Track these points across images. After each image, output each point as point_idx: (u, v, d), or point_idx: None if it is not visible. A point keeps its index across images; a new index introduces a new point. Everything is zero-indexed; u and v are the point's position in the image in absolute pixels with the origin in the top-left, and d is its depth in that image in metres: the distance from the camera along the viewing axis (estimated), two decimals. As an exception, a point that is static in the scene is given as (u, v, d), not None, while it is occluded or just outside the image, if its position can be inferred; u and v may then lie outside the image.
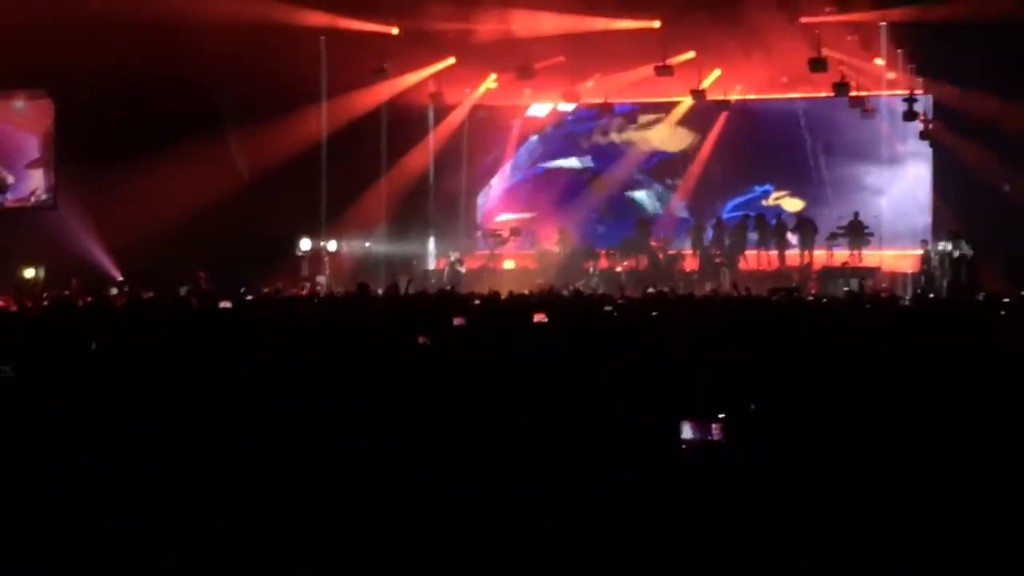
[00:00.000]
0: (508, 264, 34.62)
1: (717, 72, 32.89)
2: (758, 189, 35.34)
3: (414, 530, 4.44)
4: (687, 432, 5.85)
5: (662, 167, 36.52)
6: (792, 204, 34.80)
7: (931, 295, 26.66)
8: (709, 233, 33.79)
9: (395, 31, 31.30)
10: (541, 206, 36.90)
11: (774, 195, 35.23)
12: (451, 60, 33.61)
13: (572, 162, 37.22)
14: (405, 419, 6.29)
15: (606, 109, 35.16)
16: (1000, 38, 28.23)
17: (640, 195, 36.70)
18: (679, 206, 36.19)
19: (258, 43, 27.35)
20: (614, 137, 36.73)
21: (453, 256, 33.83)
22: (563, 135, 37.20)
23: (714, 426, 5.86)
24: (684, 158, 36.12)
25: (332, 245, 32.77)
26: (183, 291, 24.58)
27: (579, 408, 6.52)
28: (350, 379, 7.66)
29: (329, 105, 32.20)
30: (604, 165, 36.84)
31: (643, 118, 36.51)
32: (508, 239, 35.24)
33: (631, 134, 36.59)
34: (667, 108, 35.92)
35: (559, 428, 5.71)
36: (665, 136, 36.32)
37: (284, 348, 9.93)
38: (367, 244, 34.05)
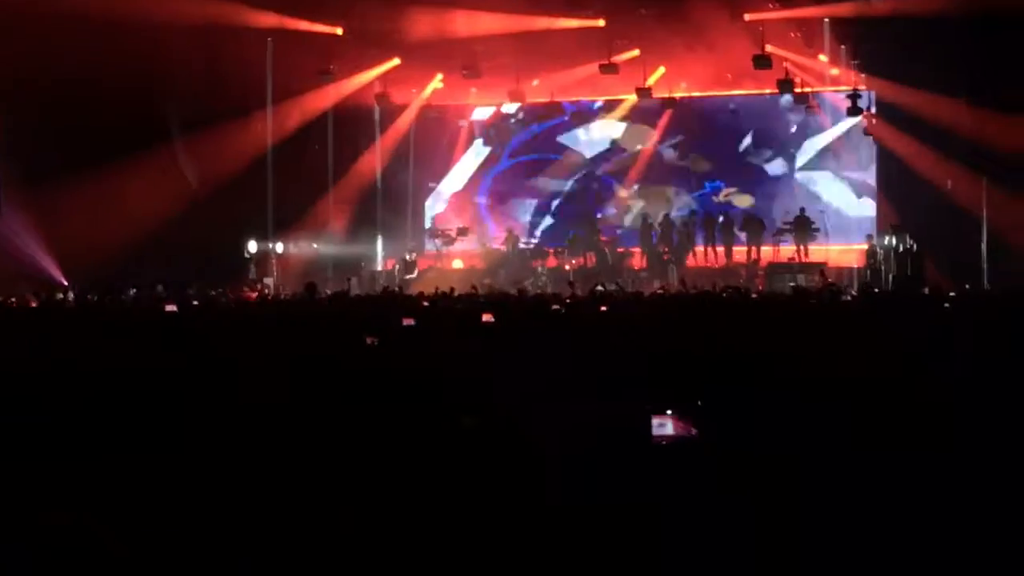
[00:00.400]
0: (456, 264, 34.63)
1: (662, 70, 33.00)
2: (708, 186, 35.46)
3: (354, 534, 4.44)
4: (661, 428, 5.85)
5: (614, 165, 36.53)
6: (742, 200, 34.96)
7: (876, 289, 26.81)
8: (658, 231, 33.90)
9: (340, 32, 31.22)
10: (489, 205, 36.95)
11: (723, 192, 35.38)
12: (396, 61, 33.57)
13: (521, 160, 37.19)
14: (351, 421, 6.27)
15: (553, 108, 35.18)
16: (940, 34, 28.48)
17: (590, 193, 36.71)
18: (629, 204, 36.25)
19: (205, 46, 27.24)
20: (590, 134, 36.71)
21: (409, 256, 33.85)
22: (512, 134, 37.14)
23: (687, 422, 5.87)
24: (636, 156, 36.20)
25: (280, 247, 32.64)
26: (132, 294, 24.43)
27: (525, 408, 6.52)
28: (296, 380, 7.64)
29: (276, 107, 32.09)
30: (555, 163, 36.86)
31: (603, 117, 36.50)
32: (456, 239, 35.23)
33: (606, 131, 36.56)
34: (615, 107, 35.98)
35: (507, 429, 5.70)
36: (621, 134, 36.36)
37: (231, 350, 9.87)
38: (315, 246, 33.93)
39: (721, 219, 33.38)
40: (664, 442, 5.80)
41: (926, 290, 24.41)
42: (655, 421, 5.87)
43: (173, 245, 27.37)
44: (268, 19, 29.51)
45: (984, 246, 29.39)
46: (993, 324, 12.16)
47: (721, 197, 35.32)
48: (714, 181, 35.50)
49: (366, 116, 35.60)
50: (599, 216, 35.43)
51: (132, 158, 27.35)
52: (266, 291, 29.65)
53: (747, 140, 34.76)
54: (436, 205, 37.77)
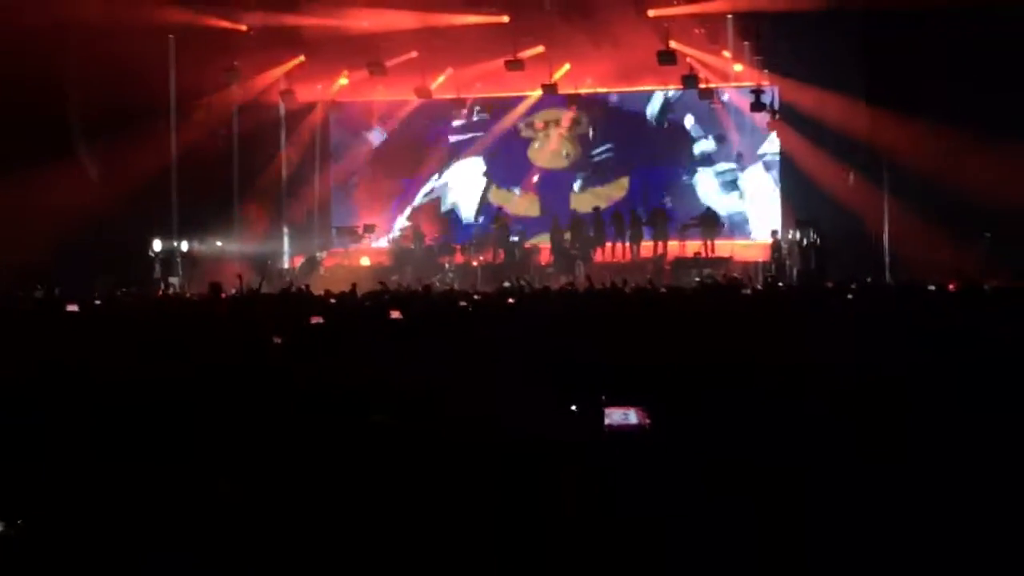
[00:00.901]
0: (364, 261, 34.50)
1: (567, 66, 33.10)
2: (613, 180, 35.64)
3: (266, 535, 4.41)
4: (611, 418, 5.86)
5: (524, 161, 36.55)
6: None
7: (780, 283, 27.09)
8: (566, 227, 34.00)
9: (244, 28, 30.99)
10: (397, 202, 36.86)
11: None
12: (301, 58, 33.40)
13: (430, 156, 37.09)
14: (258, 422, 6.23)
15: (458, 104, 35.18)
16: (840, 30, 28.88)
17: (500, 190, 36.68)
18: (535, 200, 36.29)
19: (105, 43, 26.88)
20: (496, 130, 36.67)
21: (320, 255, 33.71)
22: (416, 130, 37.03)
23: (636, 412, 5.88)
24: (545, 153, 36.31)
25: (185, 246, 32.34)
26: (38, 293, 24.06)
27: (435, 406, 6.51)
28: (201, 381, 7.57)
29: (180, 105, 31.77)
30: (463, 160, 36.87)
31: (511, 113, 36.46)
32: (363, 236, 35.11)
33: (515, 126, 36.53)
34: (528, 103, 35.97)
35: (416, 426, 5.69)
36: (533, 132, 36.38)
37: (133, 351, 9.76)
38: (220, 244, 33.65)
39: (628, 215, 33.52)
40: (618, 432, 5.83)
41: (829, 284, 24.71)
42: (608, 412, 5.90)
43: (77, 244, 27.00)
44: (170, 16, 29.22)
45: (886, 239, 29.78)
46: (879, 318, 12.34)
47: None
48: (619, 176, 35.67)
49: (271, 114, 35.35)
50: (505, 212, 35.37)
51: (33, 158, 26.94)
52: (171, 289, 29.40)
53: (652, 136, 34.89)
54: (343, 202, 37.57)
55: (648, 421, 5.83)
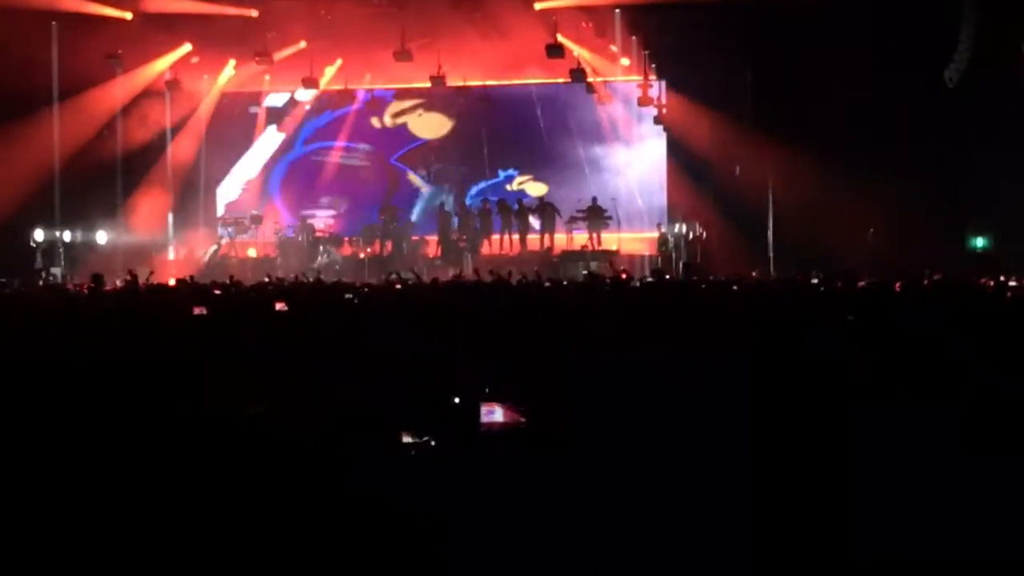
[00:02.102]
0: (250, 252, 34.27)
1: (455, 57, 33.07)
2: (502, 174, 35.67)
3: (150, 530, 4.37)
4: (488, 415, 5.85)
5: (411, 153, 36.50)
6: (536, 188, 35.26)
7: (667, 276, 27.29)
8: (455, 219, 34.04)
9: (129, 16, 30.55)
10: (284, 193, 36.64)
11: (518, 180, 35.64)
12: (187, 47, 33.05)
13: (315, 147, 36.90)
14: (143, 412, 6.17)
15: (347, 95, 35.02)
16: (726, 22, 29.19)
17: (395, 181, 36.62)
18: (423, 192, 36.25)
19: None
20: (385, 122, 36.51)
21: (220, 240, 33.57)
22: (305, 121, 36.80)
23: (516, 410, 5.88)
24: (430, 144, 36.26)
25: (67, 236, 31.87)
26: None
27: (321, 397, 6.48)
28: (85, 374, 7.48)
29: (62, 93, 31.29)
30: (349, 151, 36.69)
31: (399, 105, 36.37)
32: (249, 227, 34.85)
33: (402, 118, 36.43)
34: (409, 95, 35.93)
35: (294, 418, 5.67)
36: (421, 124, 36.33)
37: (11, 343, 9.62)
38: (104, 234, 33.19)
39: (516, 207, 33.59)
40: (493, 429, 5.83)
41: (712, 277, 24.98)
42: (484, 409, 5.89)
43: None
44: (53, 1, 28.74)
45: (771, 234, 30.14)
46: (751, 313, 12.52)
47: (515, 185, 35.58)
48: (508, 169, 35.73)
49: (157, 103, 34.88)
50: (393, 204, 35.26)
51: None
52: (52, 280, 28.99)
53: (540, 129, 34.96)
54: (229, 193, 37.22)
55: (523, 419, 5.84)
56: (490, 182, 35.73)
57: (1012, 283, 19.65)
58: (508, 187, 35.59)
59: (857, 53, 29.09)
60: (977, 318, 10.66)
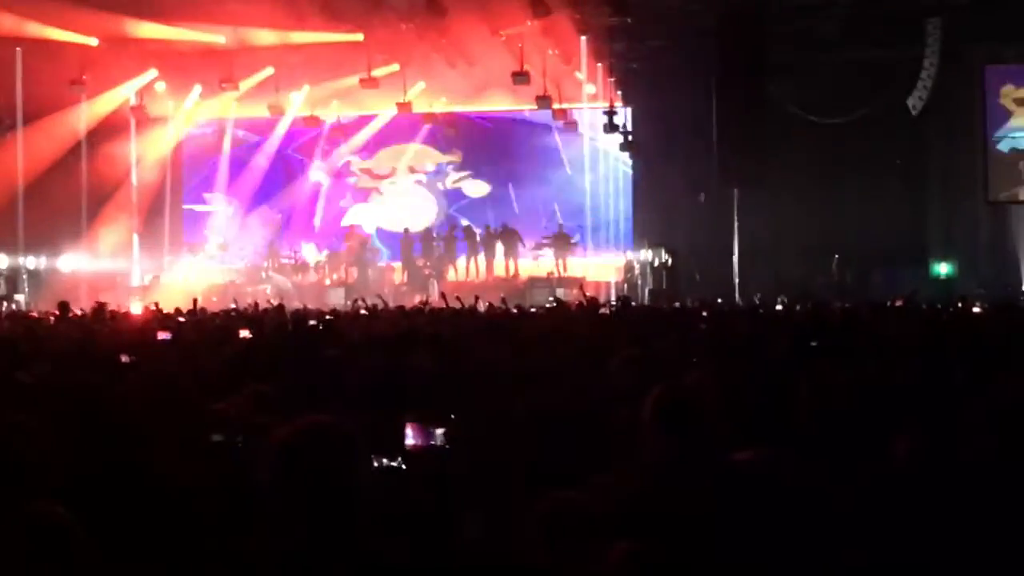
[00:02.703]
0: (217, 279, 34.11)
1: (422, 84, 33.13)
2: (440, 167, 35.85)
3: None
4: (410, 438, 5.83)
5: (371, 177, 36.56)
6: (476, 187, 35.33)
7: (633, 302, 27.32)
8: (418, 244, 34.03)
9: (94, 42, 30.45)
10: (249, 219, 36.51)
11: (452, 177, 35.71)
12: (153, 73, 32.97)
13: (282, 173, 36.84)
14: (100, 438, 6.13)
15: (312, 122, 35.00)
16: (691, 52, 29.34)
17: (354, 207, 36.59)
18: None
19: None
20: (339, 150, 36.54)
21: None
22: (278, 149, 36.71)
23: (438, 431, 5.86)
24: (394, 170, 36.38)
25: (31, 262, 31.71)
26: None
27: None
28: (45, 401, 7.42)
29: (26, 116, 31.19)
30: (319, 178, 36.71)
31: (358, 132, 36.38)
32: (216, 254, 34.76)
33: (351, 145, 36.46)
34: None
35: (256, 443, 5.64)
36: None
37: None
38: (69, 261, 33.03)
39: (481, 233, 33.64)
40: (417, 451, 5.81)
41: (677, 304, 25.06)
42: (408, 431, 5.87)
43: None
44: (17, 26, 28.61)
45: (736, 260, 30.23)
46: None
47: (448, 183, 35.67)
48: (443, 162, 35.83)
49: (122, 128, 34.74)
50: (357, 230, 35.21)
51: None
52: (15, 307, 28.82)
53: (506, 152, 35.04)
54: (195, 219, 37.09)
55: (448, 442, 5.83)
56: (430, 174, 35.82)
57: (976, 309, 19.78)
58: (441, 184, 35.67)
59: (822, 80, 29.33)
60: (941, 341, 10.71)
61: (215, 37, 30.67)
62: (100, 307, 19.64)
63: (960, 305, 20.73)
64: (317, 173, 36.50)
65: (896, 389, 7.69)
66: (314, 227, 36.43)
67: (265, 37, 30.67)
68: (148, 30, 30.16)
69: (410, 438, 5.88)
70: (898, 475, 5.28)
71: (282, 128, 35.89)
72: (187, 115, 35.87)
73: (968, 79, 30.28)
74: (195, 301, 22.37)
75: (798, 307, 20.14)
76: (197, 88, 34.60)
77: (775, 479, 5.38)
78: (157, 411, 7.27)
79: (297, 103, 34.50)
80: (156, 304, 23.77)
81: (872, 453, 5.59)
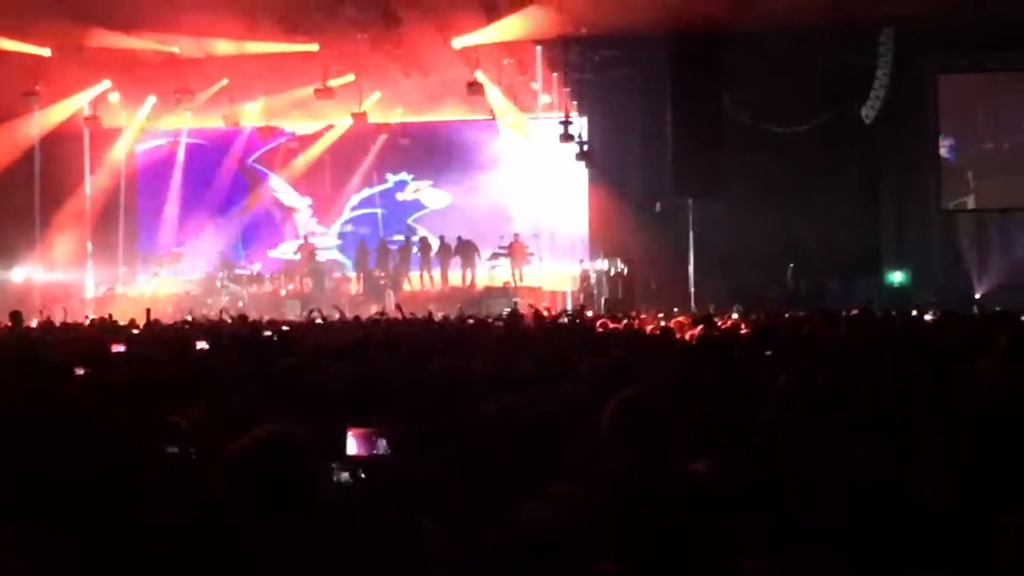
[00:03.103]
0: (171, 290, 33.91)
1: (377, 95, 33.09)
2: (392, 178, 35.76)
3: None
4: (352, 447, 5.80)
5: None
6: (436, 197, 35.38)
7: (590, 312, 27.34)
8: (373, 254, 33.97)
9: (47, 52, 30.25)
10: (203, 230, 36.30)
11: (413, 187, 35.72)
12: (107, 83, 32.78)
13: (237, 184, 36.70)
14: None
15: (268, 133, 34.91)
16: (644, 60, 29.44)
17: (301, 218, 36.53)
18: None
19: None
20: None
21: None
22: (233, 159, 36.55)
23: (380, 441, 5.84)
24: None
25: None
26: None
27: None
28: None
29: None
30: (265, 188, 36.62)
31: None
32: (170, 265, 34.59)
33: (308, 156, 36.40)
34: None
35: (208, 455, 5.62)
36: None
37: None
38: (22, 272, 32.82)
39: (437, 243, 33.62)
40: (359, 459, 5.79)
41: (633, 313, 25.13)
42: (351, 437, 5.84)
43: None
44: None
45: (692, 269, 30.31)
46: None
47: (409, 193, 35.67)
48: (398, 173, 35.78)
49: (76, 139, 34.53)
50: (311, 241, 35.10)
51: None
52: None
53: (462, 163, 35.02)
54: (150, 230, 36.86)
55: (390, 449, 5.81)
56: (377, 189, 35.77)
57: (928, 316, 19.91)
58: (400, 195, 35.70)
59: (775, 90, 29.46)
60: (894, 349, 10.77)
61: (170, 48, 30.53)
62: (15, 316, 19.47)
63: (915, 313, 20.91)
64: (274, 183, 36.41)
65: (851, 397, 7.75)
66: (270, 238, 36.29)
67: (220, 48, 30.54)
68: (102, 40, 29.96)
69: (367, 447, 5.86)
70: (855, 482, 5.31)
71: (239, 138, 35.78)
72: (141, 125, 35.64)
73: (921, 89, 30.49)
74: (148, 312, 22.28)
75: (752, 317, 20.23)
76: (151, 99, 34.41)
77: (732, 488, 5.41)
78: (109, 423, 7.25)
79: (253, 113, 34.40)
80: (110, 315, 23.66)
81: (829, 461, 5.62)
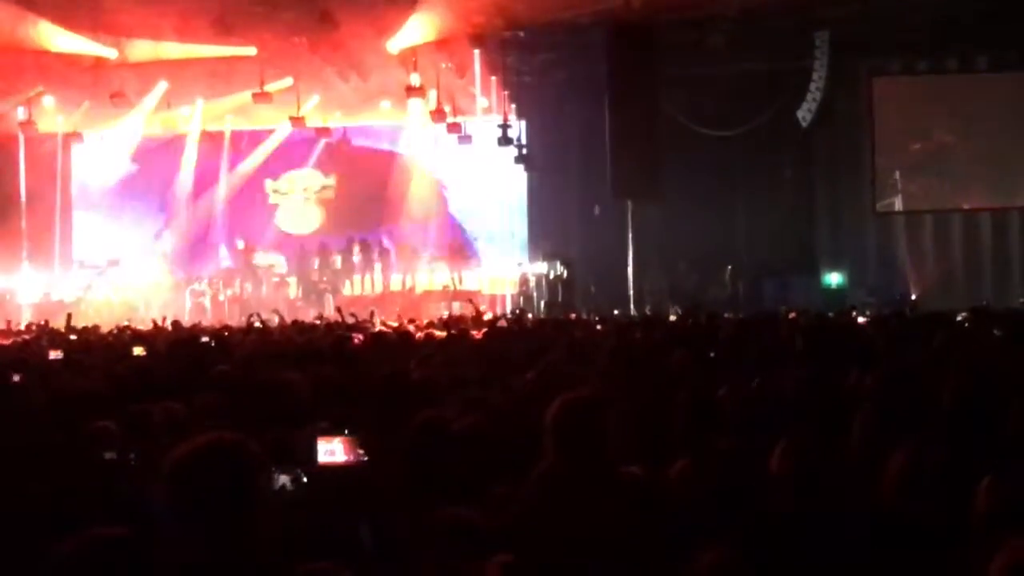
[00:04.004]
0: (109, 297, 33.63)
1: (316, 98, 32.99)
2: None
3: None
4: (323, 454, 5.77)
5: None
6: None
7: (530, 315, 27.41)
8: (315, 259, 33.84)
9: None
10: (145, 236, 36.02)
11: None
12: (40, 88, 32.42)
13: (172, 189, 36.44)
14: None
15: (210, 137, 34.77)
16: (581, 62, 29.54)
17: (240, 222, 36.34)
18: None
19: None
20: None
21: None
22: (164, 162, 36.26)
23: (348, 447, 5.81)
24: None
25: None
26: None
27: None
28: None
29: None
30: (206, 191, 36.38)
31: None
32: (106, 270, 34.31)
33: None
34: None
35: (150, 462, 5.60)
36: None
37: None
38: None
39: (377, 245, 33.55)
40: (332, 467, 5.76)
41: (573, 315, 25.26)
42: (322, 445, 5.81)
43: None
44: None
45: (630, 271, 30.40)
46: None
47: None
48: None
49: (9, 145, 34.18)
50: (251, 245, 34.86)
51: None
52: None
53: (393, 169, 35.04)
54: (86, 235, 36.51)
55: (363, 455, 5.79)
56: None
57: (861, 319, 20.13)
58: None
59: (712, 92, 29.64)
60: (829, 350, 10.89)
61: (105, 51, 30.23)
62: None
63: (853, 314, 21.15)
64: (219, 188, 36.20)
65: (787, 397, 7.82)
66: (209, 243, 36.04)
67: (157, 51, 30.29)
68: (34, 44, 29.63)
69: (311, 452, 5.84)
70: (780, 482, 5.36)
71: (180, 142, 35.53)
72: (76, 128, 35.15)
73: (855, 91, 30.76)
74: (69, 317, 22.20)
75: (690, 320, 20.36)
76: (86, 104, 33.96)
77: (663, 494, 5.45)
78: (44, 429, 7.23)
79: (196, 118, 34.24)
80: (46, 321, 23.50)
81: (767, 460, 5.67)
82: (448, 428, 6.71)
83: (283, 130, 34.64)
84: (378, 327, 20.13)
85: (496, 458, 6.31)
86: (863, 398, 6.88)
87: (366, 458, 5.84)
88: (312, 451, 5.79)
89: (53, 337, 18.66)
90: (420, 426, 6.54)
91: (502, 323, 20.54)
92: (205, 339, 16.08)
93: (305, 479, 5.64)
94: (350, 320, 21.19)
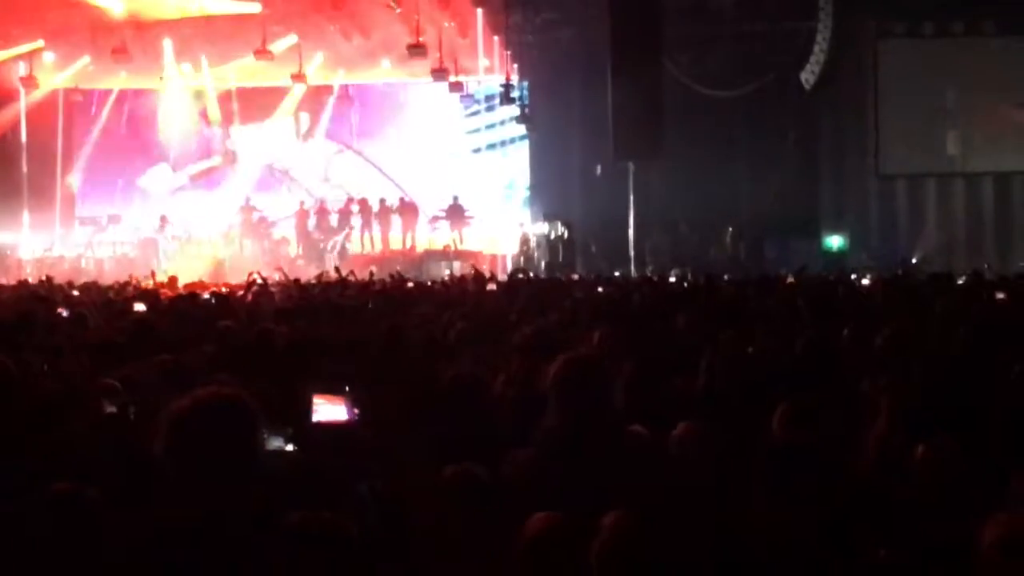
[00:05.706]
0: (108, 252, 33.57)
1: (320, 56, 32.88)
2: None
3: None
4: (321, 413, 5.76)
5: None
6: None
7: (532, 274, 27.37)
8: (313, 217, 33.81)
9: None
10: (146, 193, 35.96)
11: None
12: (40, 43, 32.29)
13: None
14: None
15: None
16: (585, 21, 29.43)
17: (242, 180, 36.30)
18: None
19: None
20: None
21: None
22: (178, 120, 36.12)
23: (345, 406, 5.79)
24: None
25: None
26: None
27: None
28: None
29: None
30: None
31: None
32: (107, 227, 34.26)
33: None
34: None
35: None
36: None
37: None
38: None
39: (377, 205, 33.52)
40: (325, 426, 5.75)
41: (576, 276, 25.22)
42: (316, 401, 5.80)
43: None
44: None
45: (631, 232, 30.31)
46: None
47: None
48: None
49: (10, 99, 34.06)
50: (250, 203, 34.76)
51: None
52: None
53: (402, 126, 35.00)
54: (86, 192, 36.43)
55: (356, 414, 5.78)
56: None
57: (864, 281, 20.11)
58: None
59: (716, 53, 29.54)
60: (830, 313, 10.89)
61: (108, 5, 30.09)
62: None
63: (853, 277, 21.13)
64: (221, 146, 36.15)
65: (787, 360, 7.82)
66: (210, 201, 35.96)
67: (157, 9, 30.18)
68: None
69: (313, 409, 5.82)
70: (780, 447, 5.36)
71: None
72: (76, 84, 34.97)
73: (860, 53, 30.64)
74: (48, 278, 22.16)
75: (687, 282, 20.33)
76: (86, 59, 33.77)
77: (667, 450, 5.45)
78: (46, 383, 7.23)
79: (205, 75, 34.17)
80: (48, 277, 23.49)
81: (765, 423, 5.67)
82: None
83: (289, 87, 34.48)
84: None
85: (499, 416, 6.34)
86: (867, 361, 6.88)
87: (362, 417, 5.82)
88: (308, 409, 5.77)
89: (54, 292, 18.63)
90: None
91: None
92: (207, 296, 16.10)
93: (305, 435, 5.64)
94: (350, 278, 21.18)
